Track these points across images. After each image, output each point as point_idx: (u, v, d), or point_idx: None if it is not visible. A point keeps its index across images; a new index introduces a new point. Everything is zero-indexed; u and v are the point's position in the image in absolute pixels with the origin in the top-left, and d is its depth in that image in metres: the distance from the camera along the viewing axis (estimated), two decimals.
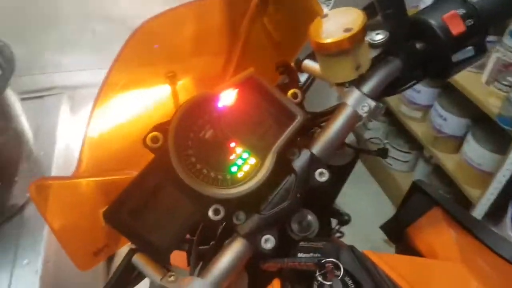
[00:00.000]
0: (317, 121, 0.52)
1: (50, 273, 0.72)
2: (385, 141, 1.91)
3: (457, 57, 0.42)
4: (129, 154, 0.46)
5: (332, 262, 0.41)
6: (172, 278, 0.43)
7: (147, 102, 0.51)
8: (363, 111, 0.45)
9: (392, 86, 0.48)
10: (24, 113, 0.79)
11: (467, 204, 1.41)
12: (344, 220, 0.73)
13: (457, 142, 1.48)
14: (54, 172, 0.86)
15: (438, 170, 1.59)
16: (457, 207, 0.57)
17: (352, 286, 0.41)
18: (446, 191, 1.58)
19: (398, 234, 0.61)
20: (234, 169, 0.45)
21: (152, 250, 0.44)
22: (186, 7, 0.48)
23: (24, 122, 0.78)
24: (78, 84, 1.11)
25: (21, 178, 0.77)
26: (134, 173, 0.43)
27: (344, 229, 0.66)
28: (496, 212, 1.32)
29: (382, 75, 0.44)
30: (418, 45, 0.43)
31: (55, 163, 0.87)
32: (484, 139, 1.34)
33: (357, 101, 0.45)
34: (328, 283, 0.40)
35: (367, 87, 0.45)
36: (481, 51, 0.43)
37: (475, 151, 1.36)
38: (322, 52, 0.41)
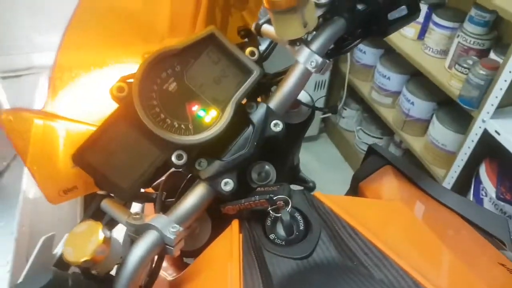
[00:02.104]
0: (275, 80, 0.57)
1: (25, 235, 0.75)
2: (358, 127, 1.98)
3: (393, 15, 0.48)
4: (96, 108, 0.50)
5: (282, 198, 0.46)
6: (137, 216, 0.46)
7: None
8: (311, 66, 0.50)
9: (339, 46, 0.53)
10: (3, 91, 0.82)
11: None
12: (309, 187, 0.79)
13: (424, 125, 1.55)
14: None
15: (408, 154, 1.67)
16: (406, 165, 0.63)
17: (299, 218, 0.46)
18: None
19: (353, 190, 0.66)
20: (201, 113, 0.49)
21: (117, 191, 0.47)
22: None
23: (3, 98, 0.80)
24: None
25: None
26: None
27: None
28: (461, 190, 1.39)
29: (328, 33, 0.49)
30: (359, 6, 0.49)
31: (32, 138, 0.90)
32: (448, 121, 1.41)
33: (306, 58, 0.50)
34: (278, 215, 0.45)
35: (315, 45, 0.50)
36: (414, 10, 0.48)
37: (440, 133, 1.43)
38: (273, 9, 0.46)
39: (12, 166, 0.84)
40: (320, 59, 0.49)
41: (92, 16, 0.47)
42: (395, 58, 1.61)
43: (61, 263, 0.43)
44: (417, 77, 1.56)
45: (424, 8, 1.44)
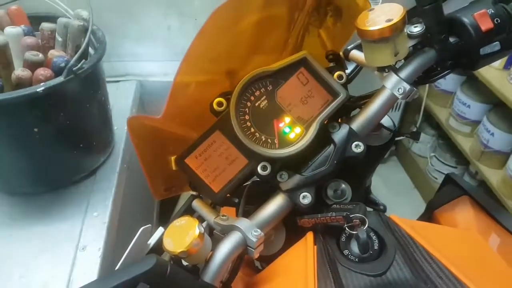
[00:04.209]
0: (358, 103, 0.60)
1: (115, 224, 0.84)
2: (432, 154, 1.91)
3: (485, 50, 0.48)
4: (198, 117, 0.56)
5: (358, 217, 0.48)
6: (224, 217, 0.51)
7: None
8: (398, 93, 0.52)
9: (427, 75, 0.54)
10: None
11: None
12: (379, 209, 0.79)
13: (503, 158, 1.47)
14: (124, 144, 0.99)
15: (483, 185, 1.58)
16: (484, 196, 0.62)
17: (374, 238, 0.48)
18: None
19: (427, 217, 0.66)
20: (287, 130, 0.53)
21: (209, 193, 0.53)
22: None
23: (107, 97, 0.91)
24: (149, 73, 1.26)
25: (97, 144, 0.90)
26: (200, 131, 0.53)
27: None
28: None
29: (418, 63, 0.51)
30: (451, 39, 0.50)
31: (126, 137, 1.00)
32: None
33: (394, 84, 0.52)
34: (354, 232, 0.48)
35: (404, 72, 0.52)
36: (507, 46, 0.49)
37: None
38: (366, 38, 0.49)
39: (107, 162, 0.94)
40: (408, 87, 0.51)
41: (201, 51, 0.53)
42: (477, 86, 1.55)
43: (155, 252, 0.49)
44: (499, 108, 1.49)
45: None
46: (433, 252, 0.43)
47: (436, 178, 1.88)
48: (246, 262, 0.65)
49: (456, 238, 0.49)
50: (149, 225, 0.47)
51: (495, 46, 0.48)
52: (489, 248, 0.48)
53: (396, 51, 0.49)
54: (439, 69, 0.53)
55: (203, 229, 0.42)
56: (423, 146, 2.01)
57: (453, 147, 1.75)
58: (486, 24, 0.47)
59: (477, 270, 0.43)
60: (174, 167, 0.51)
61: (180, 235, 0.42)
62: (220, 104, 0.52)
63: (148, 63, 1.26)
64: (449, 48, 0.50)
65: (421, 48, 0.51)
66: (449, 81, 1.73)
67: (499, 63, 1.46)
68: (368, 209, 0.74)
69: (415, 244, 0.46)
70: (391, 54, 0.49)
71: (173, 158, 0.51)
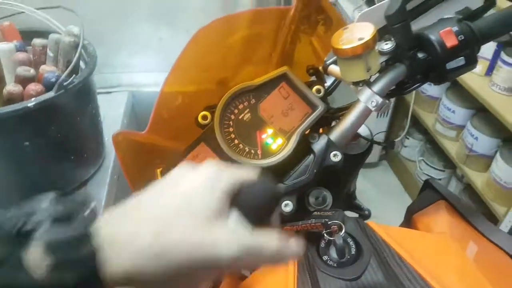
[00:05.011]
0: (337, 114, 0.63)
1: None
2: (420, 158, 1.95)
3: (450, 65, 0.52)
4: (183, 130, 0.58)
5: (336, 223, 0.51)
6: None
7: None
8: (372, 105, 0.55)
9: (399, 88, 0.58)
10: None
11: (494, 220, 1.43)
12: (364, 214, 0.82)
13: (487, 161, 1.51)
14: (115, 155, 1.01)
15: (469, 189, 1.62)
16: (460, 201, 0.65)
17: (351, 243, 0.51)
18: (476, 208, 1.61)
19: (407, 221, 0.69)
20: (269, 141, 0.56)
21: None
22: (243, 13, 0.59)
23: (98, 109, 0.93)
24: (141, 83, 1.29)
25: (88, 156, 0.92)
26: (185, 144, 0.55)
27: None
28: None
29: (389, 77, 0.54)
30: (420, 55, 0.53)
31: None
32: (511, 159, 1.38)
33: (367, 98, 0.55)
34: (332, 238, 0.50)
35: (377, 87, 0.55)
36: (471, 61, 0.52)
37: (503, 170, 1.38)
38: (340, 55, 0.52)
39: (97, 174, 0.96)
40: (380, 100, 0.54)
41: (191, 61, 0.56)
42: (461, 92, 1.59)
43: None
44: (482, 113, 1.53)
45: (493, 45, 1.43)
46: (405, 256, 0.46)
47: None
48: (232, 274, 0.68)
49: (429, 243, 0.52)
50: None
51: (460, 61, 0.51)
52: (460, 252, 0.50)
53: (368, 67, 0.52)
54: (410, 82, 0.56)
55: None
56: (412, 150, 2.05)
57: (440, 151, 1.79)
58: (451, 41, 0.50)
59: (447, 273, 0.46)
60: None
61: None
62: (205, 117, 0.55)
63: (140, 74, 1.28)
64: (418, 63, 0.53)
65: (392, 64, 0.54)
66: (434, 87, 1.78)
67: (480, 69, 1.50)
68: (353, 214, 0.77)
69: (388, 248, 0.49)
70: (364, 70, 0.52)
71: (159, 170, 0.54)
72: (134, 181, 0.54)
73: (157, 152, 0.56)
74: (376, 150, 2.20)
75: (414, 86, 0.56)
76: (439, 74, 0.53)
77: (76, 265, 0.24)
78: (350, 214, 0.77)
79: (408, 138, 2.05)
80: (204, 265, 0.27)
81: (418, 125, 1.96)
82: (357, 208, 0.81)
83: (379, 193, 2.08)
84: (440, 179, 1.87)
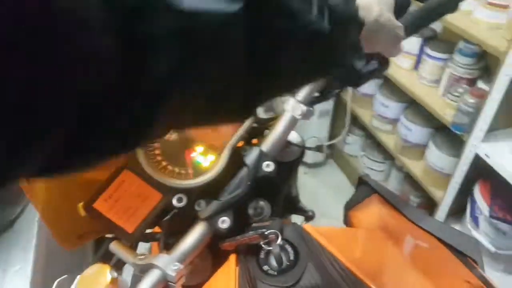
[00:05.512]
0: (268, 124, 0.64)
1: (40, 276, 0.80)
2: (362, 153, 2.03)
3: (365, 68, 0.54)
4: None
5: (273, 232, 0.52)
6: (142, 257, 0.51)
7: None
8: (297, 114, 0.56)
9: (321, 94, 0.60)
10: None
11: (434, 205, 1.52)
12: (308, 216, 0.84)
13: (422, 150, 1.60)
14: None
15: (409, 177, 1.71)
16: (390, 193, 0.69)
17: (290, 249, 0.52)
18: (416, 195, 1.69)
19: (345, 217, 0.72)
20: (200, 159, 0.55)
21: (123, 235, 0.52)
22: None
23: None
24: None
25: (13, 193, 0.86)
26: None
27: None
28: (458, 210, 1.43)
29: (311, 87, 0.57)
30: None
31: (45, 190, 0.97)
32: (443, 145, 1.46)
33: (292, 107, 0.56)
34: (270, 248, 0.51)
35: (300, 96, 0.57)
36: (384, 64, 0.55)
37: (436, 157, 1.48)
38: None
39: (26, 211, 0.90)
40: (305, 108, 0.56)
41: None
42: (393, 88, 1.68)
43: None
44: (414, 105, 1.62)
45: (418, 40, 1.52)
46: (337, 255, 0.48)
47: (367, 175, 1.99)
48: None
49: (360, 239, 0.54)
50: (65, 276, 0.47)
51: (374, 64, 0.54)
52: (388, 244, 0.53)
53: None
54: (331, 87, 0.58)
55: (116, 274, 0.43)
56: (354, 146, 2.13)
57: (379, 145, 1.87)
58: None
59: (376, 266, 0.48)
60: (82, 214, 0.51)
61: (93, 284, 0.42)
62: None
63: None
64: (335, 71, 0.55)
65: None
66: (369, 86, 1.85)
67: (409, 64, 1.59)
68: (299, 217, 0.78)
69: (323, 250, 0.50)
70: None
71: (80, 204, 0.51)
72: (52, 220, 0.51)
73: (76, 185, 0.52)
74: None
75: (334, 92, 0.59)
76: (355, 77, 0.56)
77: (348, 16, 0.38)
78: (296, 218, 0.79)
79: (349, 136, 2.12)
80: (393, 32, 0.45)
81: (357, 123, 2.04)
82: (301, 211, 0.83)
83: (328, 191, 2.14)
84: (382, 171, 1.95)
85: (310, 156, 2.24)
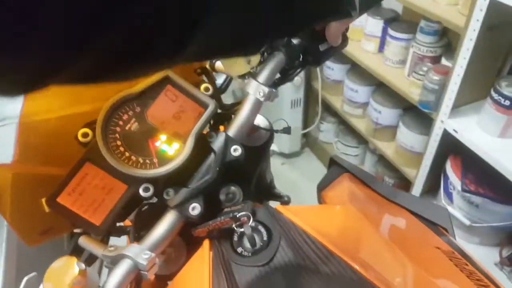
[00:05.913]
0: (233, 109, 0.63)
1: (12, 274, 0.78)
2: (336, 139, 2.05)
3: (323, 46, 0.55)
4: (65, 152, 0.53)
5: (244, 215, 0.51)
6: (112, 248, 0.50)
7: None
8: (260, 95, 0.56)
9: (283, 75, 0.60)
10: None
11: (408, 184, 1.55)
12: (284, 201, 0.84)
13: (392, 131, 1.63)
14: None
15: (383, 159, 1.74)
16: (361, 171, 0.69)
17: (263, 230, 0.51)
18: (391, 175, 1.73)
19: (318, 199, 0.72)
20: (164, 147, 0.54)
21: (91, 228, 0.51)
22: None
23: None
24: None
25: None
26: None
27: None
28: (432, 187, 1.47)
29: (271, 66, 0.56)
30: (294, 41, 0.55)
31: (5, 188, 0.94)
32: (413, 125, 1.49)
33: (255, 89, 0.56)
34: (242, 229, 0.51)
35: (261, 77, 0.56)
36: (342, 41, 0.55)
37: (407, 136, 1.50)
38: None
39: None
40: (267, 89, 0.55)
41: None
42: (361, 72, 1.70)
43: None
44: (381, 88, 1.64)
45: (380, 23, 1.54)
46: (309, 231, 0.48)
47: None
48: (158, 284, 0.66)
49: (331, 214, 0.54)
50: (34, 273, 0.46)
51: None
52: (360, 218, 0.53)
53: (248, 59, 0.53)
54: (292, 68, 0.58)
55: (83, 265, 0.42)
56: (328, 133, 2.15)
57: (352, 130, 1.89)
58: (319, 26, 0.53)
59: (350, 241, 0.49)
60: (46, 210, 0.49)
61: (60, 277, 0.41)
62: (85, 135, 0.51)
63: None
64: (294, 49, 0.55)
65: (271, 53, 0.56)
66: (337, 72, 1.87)
67: (373, 47, 1.61)
68: (275, 202, 0.78)
69: (295, 227, 0.50)
70: (245, 63, 0.53)
71: (43, 200, 0.49)
72: (13, 217, 0.49)
73: (38, 181, 0.51)
74: (297, 139, 2.28)
75: (296, 72, 0.59)
76: (315, 56, 0.56)
77: None
78: (273, 204, 0.79)
79: (322, 123, 2.14)
80: None
81: (329, 110, 2.06)
82: (277, 196, 0.83)
83: (305, 179, 2.16)
84: (357, 155, 1.98)
85: (286, 146, 2.25)
